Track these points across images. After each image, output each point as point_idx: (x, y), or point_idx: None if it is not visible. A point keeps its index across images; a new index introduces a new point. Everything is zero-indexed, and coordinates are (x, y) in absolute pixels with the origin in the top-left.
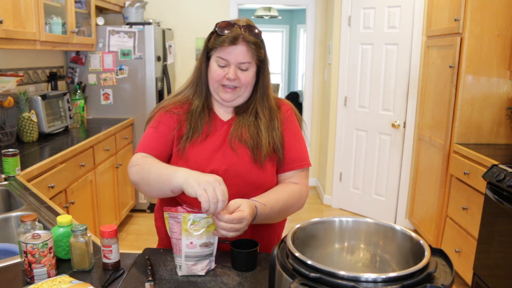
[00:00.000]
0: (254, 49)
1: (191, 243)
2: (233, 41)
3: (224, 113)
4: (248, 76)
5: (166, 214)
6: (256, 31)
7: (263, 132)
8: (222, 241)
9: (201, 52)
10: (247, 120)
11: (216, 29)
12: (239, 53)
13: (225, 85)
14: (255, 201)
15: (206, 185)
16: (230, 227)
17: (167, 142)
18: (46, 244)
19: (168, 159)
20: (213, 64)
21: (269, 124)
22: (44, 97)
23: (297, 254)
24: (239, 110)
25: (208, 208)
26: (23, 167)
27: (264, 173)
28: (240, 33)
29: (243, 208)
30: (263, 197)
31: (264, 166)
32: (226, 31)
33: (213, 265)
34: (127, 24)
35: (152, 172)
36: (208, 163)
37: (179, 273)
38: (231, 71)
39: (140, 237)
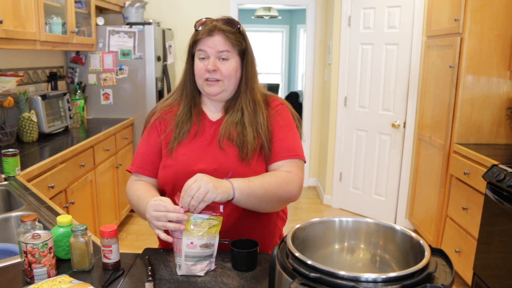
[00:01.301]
0: (232, 38)
1: (192, 243)
2: (210, 32)
3: (213, 113)
4: (229, 67)
5: None
6: (234, 23)
7: (247, 127)
8: (222, 241)
9: (187, 53)
10: (235, 118)
11: (195, 26)
12: (217, 42)
13: (208, 78)
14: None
15: (150, 222)
16: (187, 189)
17: (155, 154)
18: (46, 244)
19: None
20: (196, 60)
21: (253, 118)
22: (44, 97)
23: (297, 254)
24: (227, 109)
25: (177, 226)
26: (23, 167)
27: (252, 171)
28: (215, 24)
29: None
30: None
31: (251, 163)
32: (203, 25)
33: (213, 266)
34: (127, 24)
35: (134, 202)
36: (197, 163)
37: (179, 273)
38: (210, 62)
39: (140, 237)
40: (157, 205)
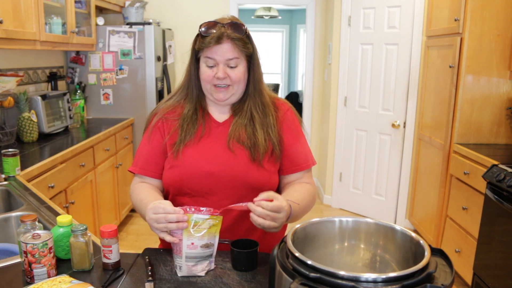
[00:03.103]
0: (240, 45)
1: (192, 244)
2: (218, 40)
3: (219, 114)
4: (238, 73)
5: None
6: (241, 27)
7: (258, 130)
8: (222, 241)
9: (190, 55)
10: (243, 120)
11: (200, 30)
12: (226, 50)
13: (217, 84)
14: (289, 200)
15: (151, 225)
16: (266, 214)
17: (158, 156)
18: (46, 244)
19: (161, 171)
20: (202, 65)
21: (264, 120)
22: (44, 97)
23: (297, 254)
24: (235, 110)
25: (177, 230)
26: (23, 167)
27: (263, 173)
28: (223, 31)
29: (280, 200)
30: (289, 196)
31: (263, 165)
32: (209, 31)
33: (212, 266)
34: (127, 24)
35: (137, 205)
36: (205, 165)
37: (179, 274)
38: (220, 70)
39: (140, 237)
40: (155, 207)
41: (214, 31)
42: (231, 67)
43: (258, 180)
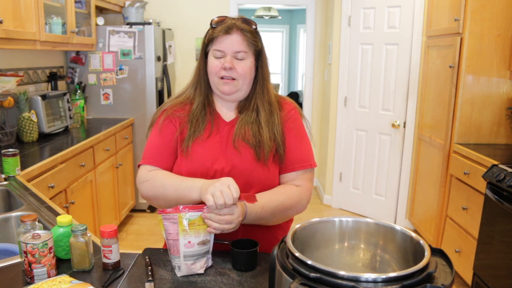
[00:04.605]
0: (249, 38)
1: (189, 242)
2: (228, 30)
3: (227, 113)
4: (245, 66)
5: (160, 216)
6: (251, 22)
7: (264, 128)
8: (222, 241)
9: (200, 51)
10: (250, 118)
11: (211, 23)
12: (234, 41)
13: (223, 76)
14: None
15: (213, 190)
16: (220, 219)
17: (171, 148)
18: (46, 244)
19: (173, 166)
20: (211, 58)
21: (269, 118)
22: (44, 97)
23: (297, 254)
24: (241, 109)
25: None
26: (23, 167)
27: (267, 173)
28: (234, 23)
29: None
30: (259, 196)
31: (268, 165)
32: (220, 23)
33: (210, 262)
34: (127, 24)
35: (168, 187)
36: (213, 163)
37: (178, 274)
38: (227, 60)
39: (140, 237)
40: (236, 188)
41: (225, 23)
42: (238, 60)
43: (263, 178)
